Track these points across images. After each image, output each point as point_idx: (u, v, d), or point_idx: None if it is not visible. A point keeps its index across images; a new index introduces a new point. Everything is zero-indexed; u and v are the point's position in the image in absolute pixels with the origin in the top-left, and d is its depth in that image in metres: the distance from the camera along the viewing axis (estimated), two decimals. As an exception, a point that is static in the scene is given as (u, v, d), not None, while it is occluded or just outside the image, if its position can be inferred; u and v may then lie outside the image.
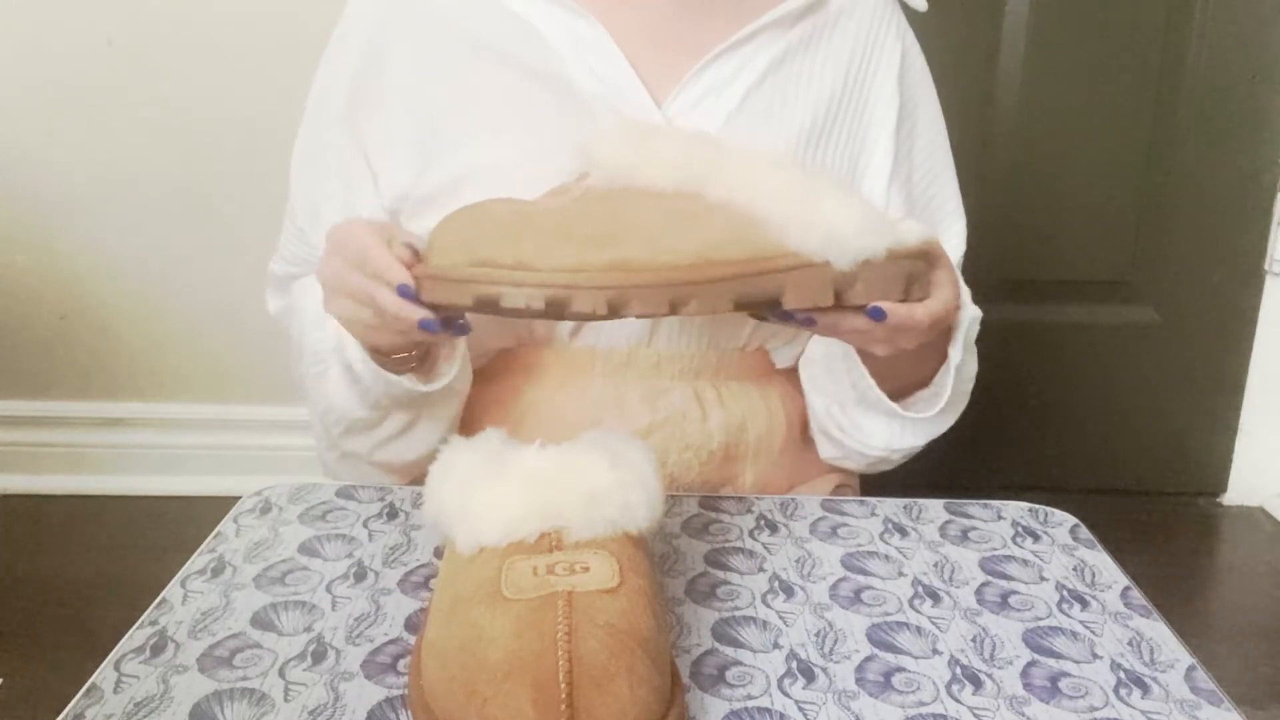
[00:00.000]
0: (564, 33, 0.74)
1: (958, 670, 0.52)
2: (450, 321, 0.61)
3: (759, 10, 0.76)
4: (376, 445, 0.73)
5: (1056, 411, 1.83)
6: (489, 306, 0.55)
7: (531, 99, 0.74)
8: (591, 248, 0.54)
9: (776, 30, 0.76)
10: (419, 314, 0.59)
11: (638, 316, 0.54)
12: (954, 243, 0.84)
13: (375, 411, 0.70)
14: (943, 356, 0.72)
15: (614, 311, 0.54)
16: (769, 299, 0.56)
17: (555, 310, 0.54)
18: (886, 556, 0.64)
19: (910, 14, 0.83)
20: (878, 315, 0.59)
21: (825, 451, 0.83)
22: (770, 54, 0.76)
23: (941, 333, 0.69)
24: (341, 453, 0.75)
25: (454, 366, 0.70)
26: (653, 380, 0.78)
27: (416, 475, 0.76)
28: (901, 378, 0.74)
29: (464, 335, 0.62)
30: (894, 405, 0.73)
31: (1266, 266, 1.79)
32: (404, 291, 0.59)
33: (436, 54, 0.75)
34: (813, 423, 0.82)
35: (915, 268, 0.60)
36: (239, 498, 0.70)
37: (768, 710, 0.49)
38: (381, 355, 0.69)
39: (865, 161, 0.80)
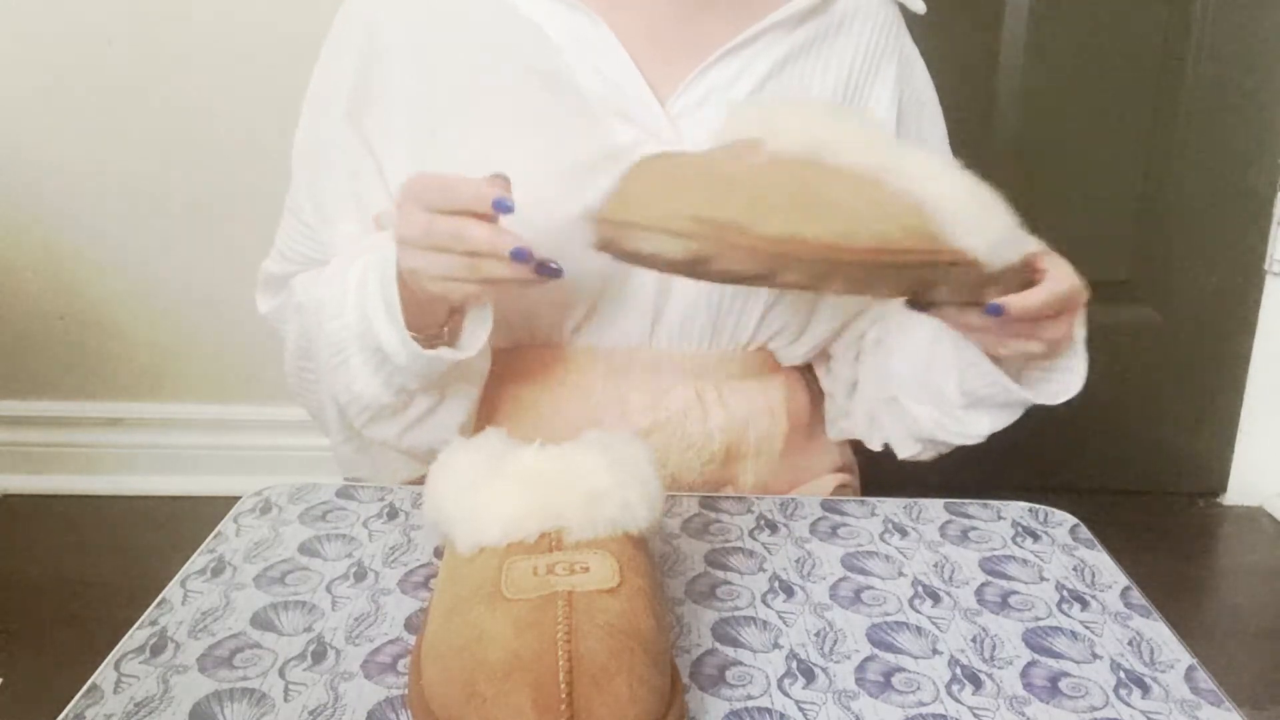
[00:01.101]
0: (567, 31, 0.74)
1: (958, 670, 0.52)
2: (544, 264, 0.61)
3: (762, 12, 0.76)
4: (404, 429, 0.73)
5: (1056, 411, 1.82)
6: (700, 267, 0.53)
7: (533, 97, 0.74)
8: (802, 218, 0.54)
9: (779, 32, 0.77)
10: (513, 241, 0.59)
11: (801, 289, 0.55)
12: None
13: (401, 395, 0.70)
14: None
15: (815, 285, 0.54)
16: (927, 287, 0.58)
17: (763, 279, 0.54)
18: (886, 556, 0.64)
19: (909, 16, 0.83)
20: (995, 311, 0.61)
21: (906, 451, 0.82)
22: (773, 56, 0.76)
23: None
24: (361, 444, 0.75)
25: (486, 328, 0.69)
26: (654, 380, 0.78)
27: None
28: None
29: (559, 277, 0.62)
30: (1027, 395, 0.73)
31: (1266, 266, 1.79)
32: (500, 205, 0.59)
33: (437, 51, 0.75)
34: (903, 431, 0.81)
35: (1025, 277, 0.65)
36: (239, 498, 0.70)
37: (768, 710, 0.49)
38: (416, 331, 0.68)
39: None
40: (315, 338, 0.72)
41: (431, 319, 0.69)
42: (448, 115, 0.74)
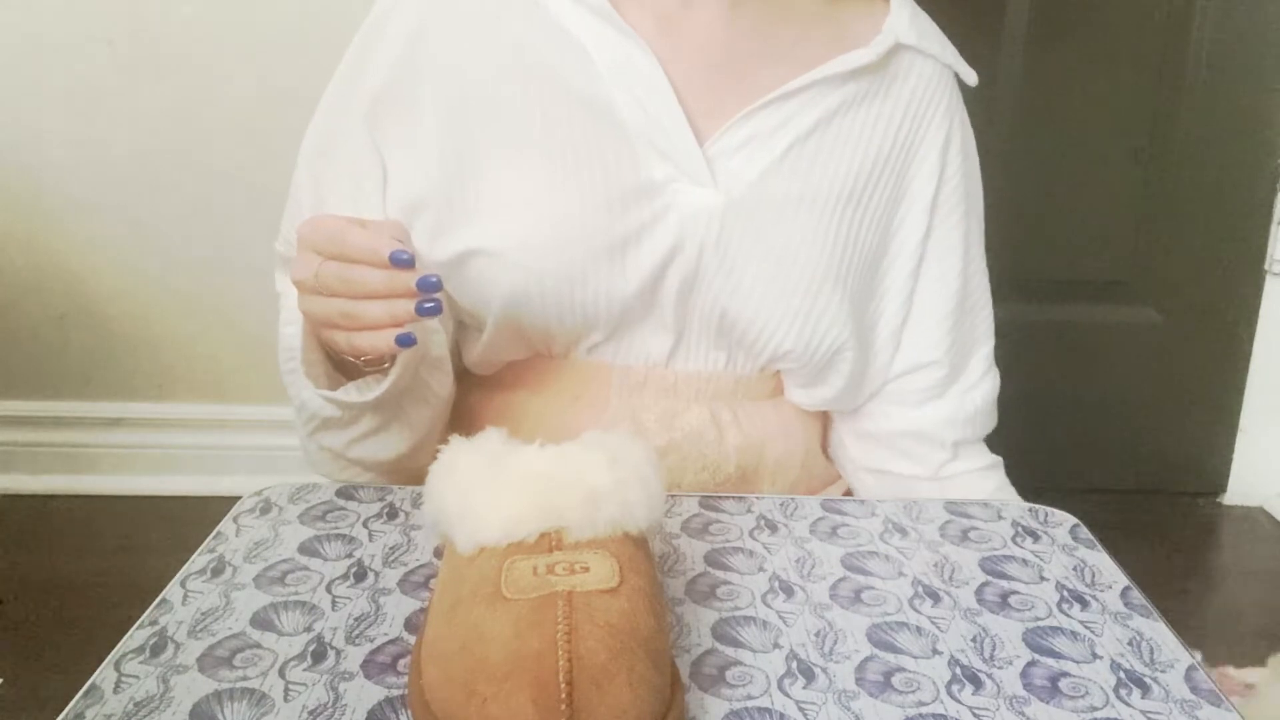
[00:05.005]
0: (614, 58, 0.72)
1: (958, 670, 0.52)
2: (423, 301, 0.58)
3: (815, 62, 0.74)
4: (350, 442, 0.72)
5: (1056, 411, 1.83)
6: None
7: (571, 121, 0.72)
8: None
9: (829, 85, 0.74)
10: (414, 276, 0.57)
11: None
12: (987, 325, 0.84)
13: (347, 411, 0.69)
14: None
15: None
16: None
17: None
18: (886, 556, 0.64)
19: None
20: None
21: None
22: (820, 109, 0.74)
23: None
24: (318, 445, 0.74)
25: (396, 368, 0.67)
26: (669, 400, 0.77)
27: (398, 475, 0.75)
28: None
29: (436, 315, 0.59)
30: None
31: (1266, 266, 1.79)
32: (397, 258, 0.56)
33: (478, 67, 0.73)
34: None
35: None
36: (239, 498, 0.70)
37: (768, 710, 0.49)
38: (351, 361, 0.67)
39: (895, 229, 0.78)
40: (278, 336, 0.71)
41: (372, 349, 0.66)
42: (482, 128, 0.73)
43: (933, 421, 0.80)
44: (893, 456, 0.82)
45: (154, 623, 0.55)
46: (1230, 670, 0.74)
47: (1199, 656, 0.69)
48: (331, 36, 0.80)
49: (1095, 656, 0.54)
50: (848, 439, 0.84)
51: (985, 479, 0.82)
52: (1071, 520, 0.70)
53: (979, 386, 0.82)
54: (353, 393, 0.67)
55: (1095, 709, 0.50)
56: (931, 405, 0.81)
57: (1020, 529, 0.68)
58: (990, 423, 0.84)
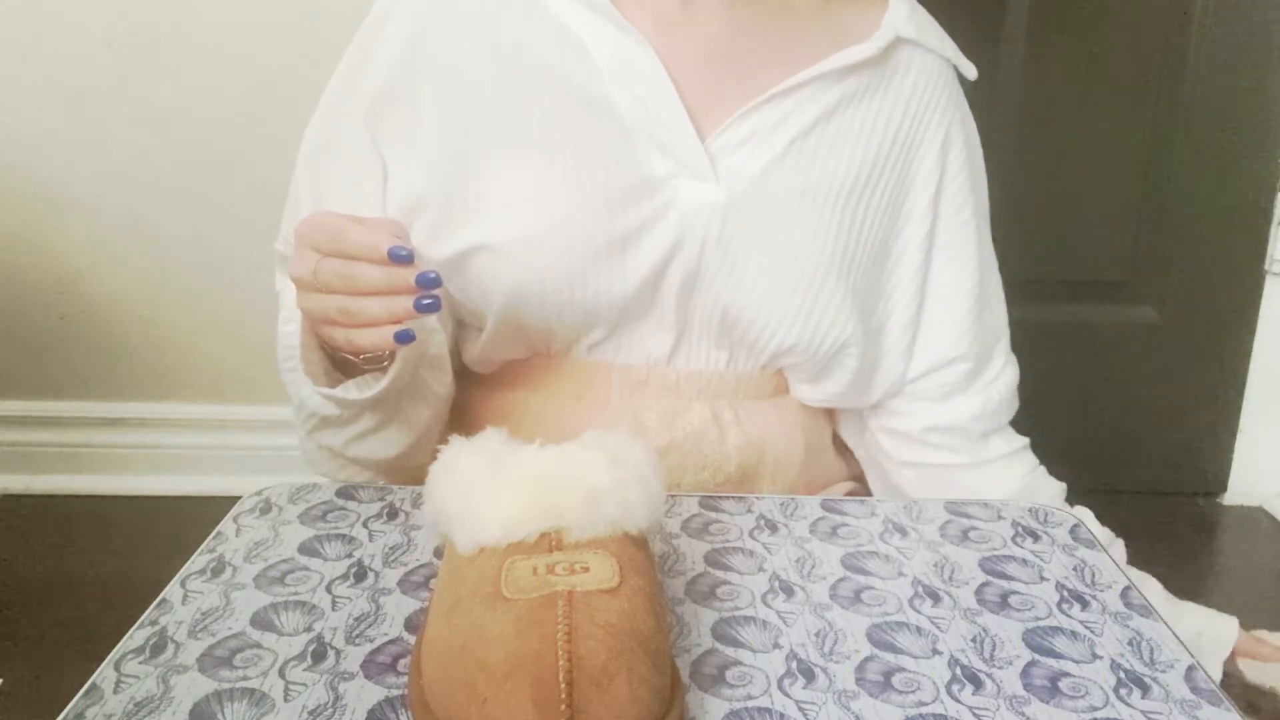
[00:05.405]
0: (615, 55, 0.72)
1: (958, 670, 0.52)
2: (421, 298, 0.58)
3: (814, 59, 0.74)
4: (349, 441, 0.72)
5: (1056, 411, 1.82)
6: None
7: (571, 120, 0.72)
8: None
9: (829, 81, 0.74)
10: (413, 272, 0.57)
11: None
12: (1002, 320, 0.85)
13: (346, 409, 0.69)
14: None
15: None
16: None
17: None
18: (886, 556, 0.64)
19: None
20: None
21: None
22: (821, 104, 0.74)
23: None
24: (317, 444, 0.74)
25: (396, 366, 0.67)
26: (671, 399, 0.77)
27: (397, 474, 0.75)
28: None
29: (435, 312, 0.59)
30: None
31: (1266, 266, 1.79)
32: (396, 254, 0.57)
33: (480, 66, 0.73)
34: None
35: None
36: (239, 498, 0.70)
37: (768, 710, 0.49)
38: (349, 357, 0.67)
39: (900, 224, 0.79)
40: (278, 334, 0.71)
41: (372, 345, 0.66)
42: (482, 129, 0.73)
43: (962, 415, 0.81)
44: (925, 449, 0.82)
45: (154, 623, 0.55)
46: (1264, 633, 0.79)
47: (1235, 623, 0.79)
48: (332, 36, 0.80)
49: (1095, 656, 0.54)
50: (880, 436, 0.84)
51: (1018, 461, 0.83)
52: (1072, 520, 0.70)
53: (1001, 377, 0.83)
54: (352, 390, 0.67)
55: (1095, 709, 0.50)
56: (957, 399, 0.81)
57: (1020, 529, 0.68)
58: (1013, 409, 0.84)
